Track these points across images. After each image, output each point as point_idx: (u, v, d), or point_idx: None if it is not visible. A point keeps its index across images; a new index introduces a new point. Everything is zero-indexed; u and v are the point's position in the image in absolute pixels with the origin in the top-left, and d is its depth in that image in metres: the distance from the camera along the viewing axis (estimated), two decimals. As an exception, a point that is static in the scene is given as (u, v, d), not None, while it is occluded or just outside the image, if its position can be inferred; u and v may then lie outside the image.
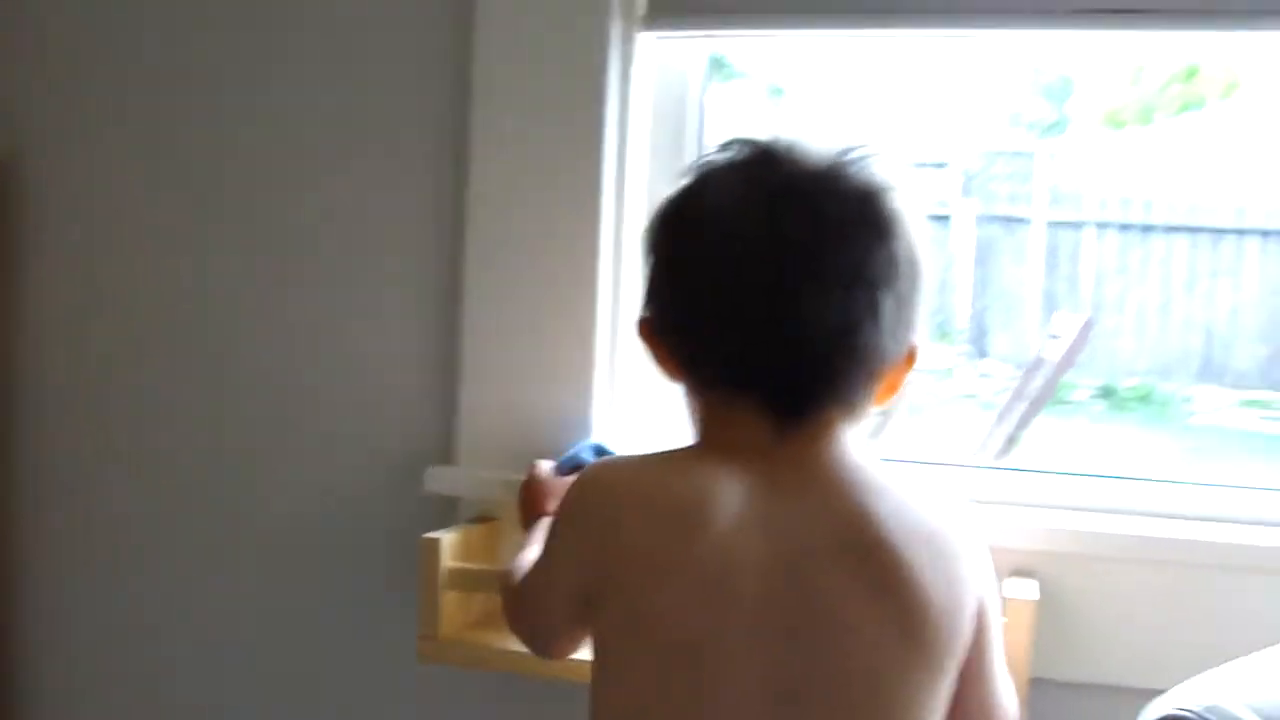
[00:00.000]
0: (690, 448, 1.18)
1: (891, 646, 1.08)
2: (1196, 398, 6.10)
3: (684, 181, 1.19)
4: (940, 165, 7.27)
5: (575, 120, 1.47)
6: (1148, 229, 6.66)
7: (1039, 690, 1.35)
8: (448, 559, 1.46)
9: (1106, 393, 5.26)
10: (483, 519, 1.55)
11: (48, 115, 1.75)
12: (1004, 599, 1.29)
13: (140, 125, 1.73)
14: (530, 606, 1.28)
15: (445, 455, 1.61)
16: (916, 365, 1.19)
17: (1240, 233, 6.48)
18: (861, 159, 1.16)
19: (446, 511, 1.58)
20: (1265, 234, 6.34)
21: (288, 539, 1.69)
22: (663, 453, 1.20)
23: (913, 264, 1.16)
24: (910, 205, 1.18)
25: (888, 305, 1.13)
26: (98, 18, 1.71)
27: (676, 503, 1.12)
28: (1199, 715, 1.01)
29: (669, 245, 1.15)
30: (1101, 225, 6.68)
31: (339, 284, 1.63)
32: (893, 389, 1.17)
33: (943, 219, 7.26)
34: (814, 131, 1.18)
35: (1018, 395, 3.88)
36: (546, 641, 1.29)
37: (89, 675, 1.81)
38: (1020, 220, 6.85)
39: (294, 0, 1.64)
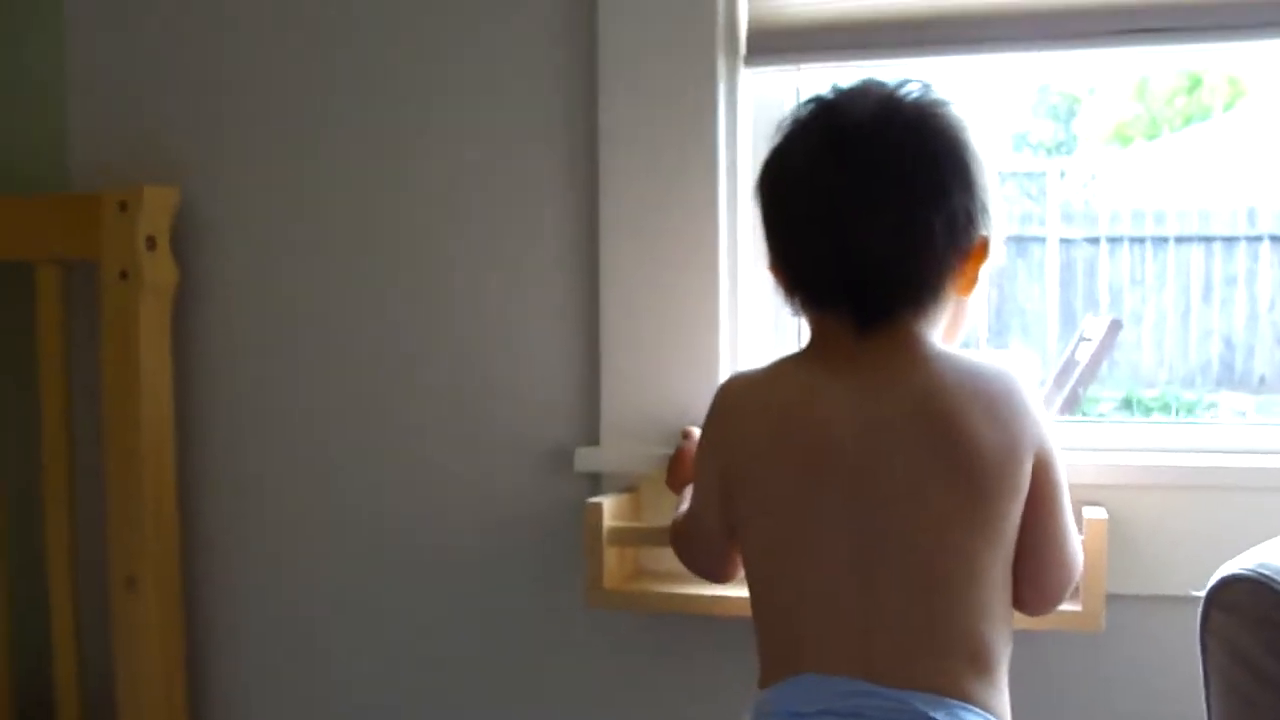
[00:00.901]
0: (798, 354, 1.41)
1: (954, 492, 1.29)
2: (1219, 403, 6.33)
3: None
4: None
5: (691, 147, 1.77)
6: (1161, 240, 6.93)
7: (1115, 604, 1.65)
8: (609, 519, 1.68)
9: (1128, 403, 5.43)
10: (627, 490, 1.86)
11: (214, 153, 2.01)
12: (1085, 519, 1.60)
13: (294, 151, 1.99)
14: (694, 530, 1.50)
15: (591, 438, 1.82)
16: (990, 254, 1.38)
17: (1253, 239, 6.74)
18: (906, 92, 1.37)
19: (593, 488, 1.78)
20: (1276, 238, 6.60)
21: (457, 525, 1.95)
22: (777, 361, 1.43)
23: (963, 173, 1.34)
24: (956, 121, 1.37)
25: (940, 217, 1.32)
26: (249, 56, 1.98)
27: (781, 400, 1.37)
28: (1253, 571, 1.31)
29: (761, 199, 1.40)
30: (1114, 240, 6.95)
31: (494, 301, 1.90)
32: (971, 280, 1.37)
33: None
34: (872, 75, 1.43)
35: (1049, 398, 4.16)
36: (712, 561, 1.51)
37: (265, 668, 2.04)
38: (1034, 239, 7.12)
39: (440, 59, 1.90)
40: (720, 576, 1.54)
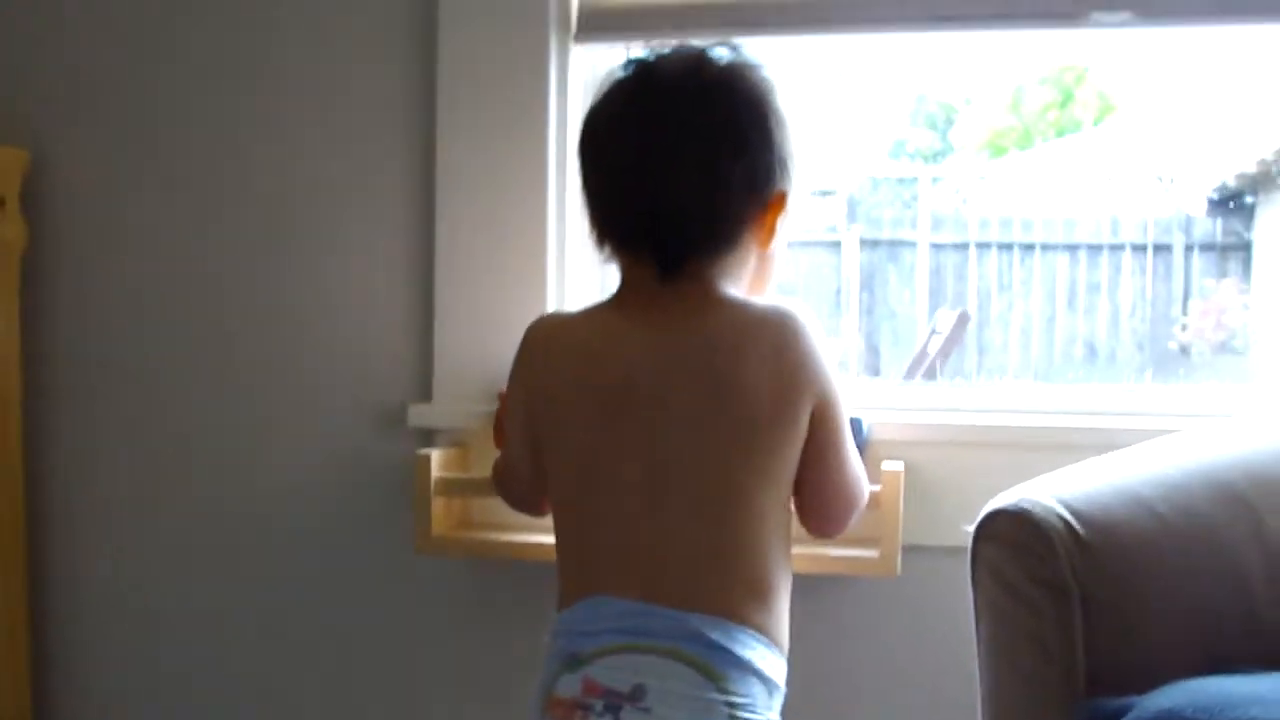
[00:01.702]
0: (605, 300, 1.51)
1: (728, 430, 1.40)
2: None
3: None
4: (827, 193, 7.73)
5: (523, 116, 1.87)
6: (1028, 247, 7.14)
7: (913, 554, 1.78)
8: (437, 470, 1.78)
9: (991, 404, 5.60)
10: (457, 445, 1.96)
11: (65, 118, 2.09)
12: (883, 471, 1.74)
13: (146, 120, 2.07)
14: (507, 466, 1.60)
15: (424, 395, 1.92)
16: (787, 208, 1.48)
17: (1116, 248, 6.96)
18: (716, 55, 1.47)
19: (425, 443, 1.87)
20: (1137, 248, 6.83)
21: (292, 477, 2.05)
22: (586, 307, 1.54)
23: (762, 129, 1.45)
24: (761, 81, 1.48)
25: (737, 170, 1.43)
26: (104, 27, 2.05)
27: (584, 340, 1.47)
28: (1015, 506, 1.43)
29: (580, 155, 1.50)
30: (983, 245, 7.15)
31: (328, 261, 2.01)
32: (769, 232, 1.47)
33: (831, 245, 7.71)
34: (691, 42, 1.51)
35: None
36: (525, 496, 1.61)
37: (107, 629, 2.12)
38: (906, 244, 7.29)
39: (280, 18, 2.00)
40: (536, 510, 1.65)
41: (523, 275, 1.91)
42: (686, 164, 1.43)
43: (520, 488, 1.61)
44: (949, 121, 9.05)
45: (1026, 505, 1.38)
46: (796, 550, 1.69)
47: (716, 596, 1.38)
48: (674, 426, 1.41)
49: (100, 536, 2.12)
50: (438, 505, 1.83)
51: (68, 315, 2.11)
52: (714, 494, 1.40)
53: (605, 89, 1.53)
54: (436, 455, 1.83)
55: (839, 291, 7.34)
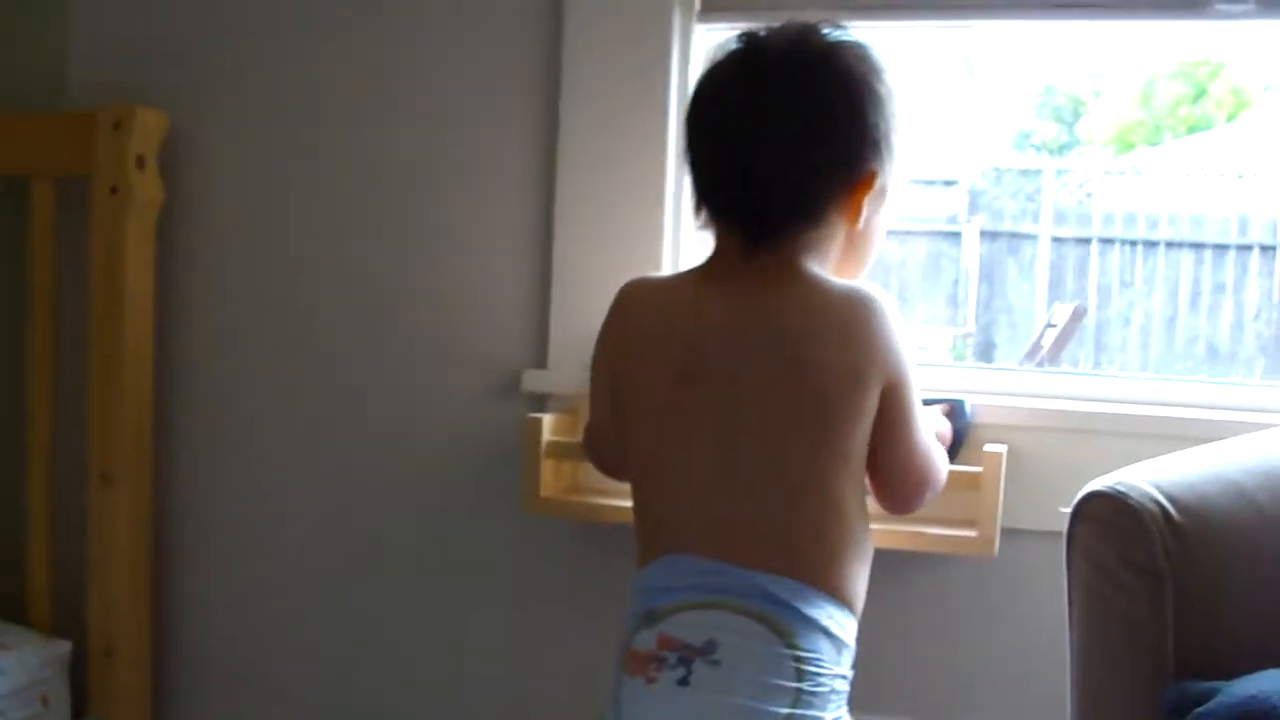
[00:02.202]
0: (697, 267, 1.54)
1: (796, 407, 1.42)
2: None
3: None
4: (949, 183, 7.70)
5: (645, 93, 1.92)
6: (1151, 245, 7.06)
7: (1013, 537, 1.82)
8: (547, 434, 1.83)
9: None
10: (569, 411, 1.99)
11: (205, 84, 2.14)
12: (984, 453, 1.77)
13: (282, 91, 2.12)
14: (593, 425, 1.63)
15: (540, 361, 1.98)
16: (878, 188, 1.50)
17: (1243, 248, 6.86)
18: (823, 31, 1.50)
19: (539, 408, 1.93)
20: (1265, 248, 6.72)
21: (414, 439, 2.07)
22: (678, 272, 1.59)
23: (857, 107, 1.47)
24: (864, 59, 1.50)
25: (827, 145, 1.46)
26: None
27: (668, 305, 1.51)
28: (1111, 488, 1.46)
29: (685, 122, 1.53)
30: (1106, 241, 7.08)
31: (452, 231, 2.07)
32: (857, 210, 1.48)
33: (951, 235, 7.68)
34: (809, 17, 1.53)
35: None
36: (610, 458, 1.64)
37: (228, 562, 2.19)
38: (1027, 236, 7.25)
39: (417, 13, 2.07)
40: (623, 473, 1.67)
41: (638, 247, 1.96)
42: (776, 136, 1.45)
43: (605, 449, 1.64)
44: (1076, 114, 8.97)
45: (1122, 488, 1.41)
46: (897, 527, 1.74)
47: (786, 559, 1.41)
48: (744, 395, 1.44)
49: (225, 489, 2.22)
50: (547, 468, 1.89)
51: (202, 275, 2.20)
52: (782, 465, 1.43)
53: (714, 60, 1.56)
54: (548, 419, 1.89)
55: (957, 282, 7.32)
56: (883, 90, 1.53)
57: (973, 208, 7.45)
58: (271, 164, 2.16)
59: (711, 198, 1.54)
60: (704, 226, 1.57)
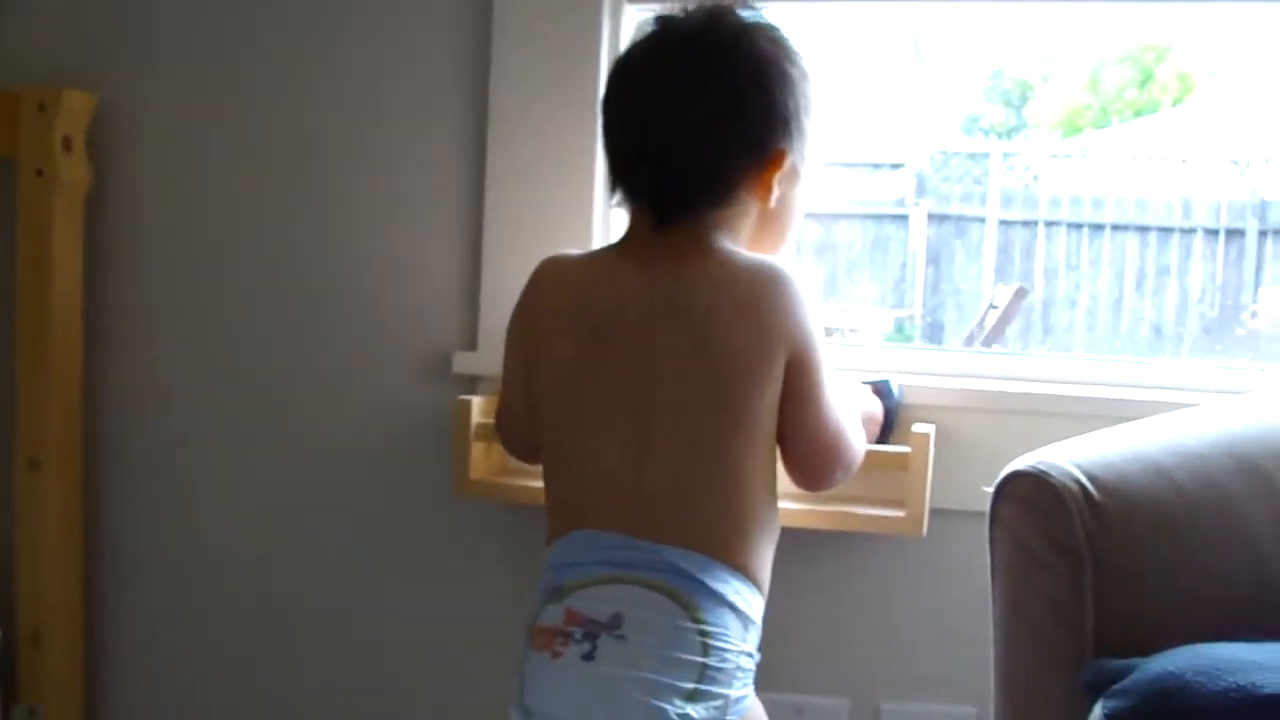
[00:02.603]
0: (611, 244, 1.58)
1: (701, 379, 1.43)
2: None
3: None
4: (896, 166, 7.71)
5: (575, 72, 1.90)
6: (1098, 228, 7.09)
7: (941, 517, 1.82)
8: (476, 416, 1.81)
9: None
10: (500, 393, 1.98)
11: (133, 64, 2.10)
12: (912, 433, 1.77)
13: (212, 70, 2.10)
14: (504, 410, 1.64)
15: (470, 343, 1.97)
16: (787, 168, 1.51)
17: (1187, 231, 6.90)
18: (737, 13, 1.52)
19: (471, 390, 1.91)
20: (1209, 231, 6.77)
21: (342, 422, 2.03)
22: (593, 250, 1.62)
23: (765, 86, 1.49)
24: (776, 40, 1.52)
25: (735, 124, 1.47)
26: None
27: (581, 281, 1.52)
28: (1033, 467, 1.45)
29: (601, 103, 1.56)
30: (1052, 224, 7.11)
31: (380, 212, 2.05)
32: (766, 188, 1.50)
33: (899, 218, 7.70)
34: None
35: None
36: (522, 440, 1.64)
37: (156, 548, 2.16)
38: (974, 219, 7.27)
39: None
40: (533, 455, 1.67)
41: (569, 227, 1.95)
42: (684, 115, 1.47)
43: (516, 431, 1.64)
44: (1024, 98, 9.01)
45: (1044, 467, 1.41)
46: (825, 507, 1.74)
47: (693, 534, 1.41)
48: (654, 370, 1.45)
49: (153, 476, 2.19)
50: (477, 450, 1.88)
51: (130, 257, 2.17)
52: (689, 440, 1.44)
53: (630, 42, 1.59)
54: (477, 401, 1.87)
55: (905, 265, 7.34)
56: (794, 71, 1.54)
57: (920, 191, 7.46)
58: (200, 145, 2.14)
59: (624, 177, 1.56)
60: (619, 204, 1.59)
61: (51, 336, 2.06)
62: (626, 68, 1.54)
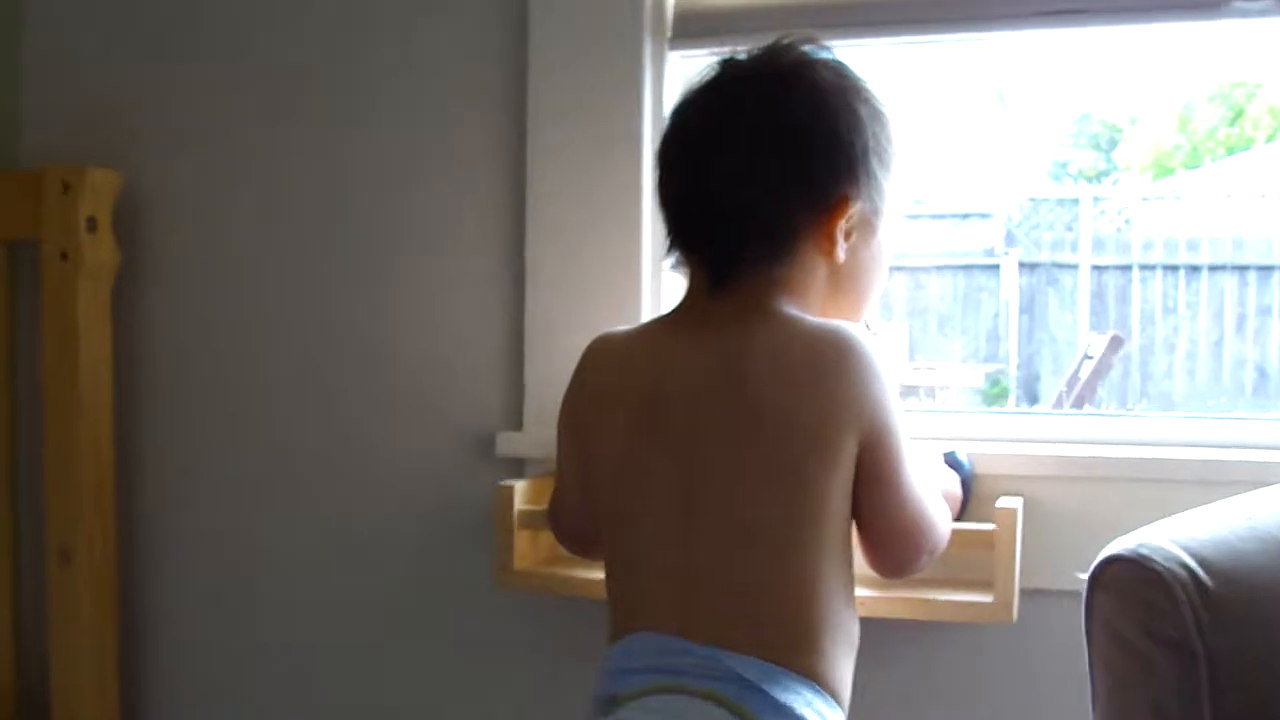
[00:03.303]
0: (665, 314, 1.41)
1: (757, 459, 1.26)
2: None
3: None
4: (985, 215, 7.50)
5: (617, 128, 1.75)
6: (1194, 269, 6.83)
7: (1033, 598, 1.60)
8: (520, 502, 1.71)
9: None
10: (548, 475, 1.82)
11: (159, 141, 2.02)
12: (997, 509, 1.55)
13: (241, 147, 2.00)
14: (557, 498, 1.49)
15: (514, 423, 1.81)
16: (857, 216, 1.34)
17: None
18: (798, 49, 1.36)
19: (516, 473, 1.79)
20: None
21: (382, 508, 1.94)
22: (646, 321, 1.47)
23: (827, 128, 1.32)
24: (840, 78, 1.36)
25: (789, 167, 1.31)
26: (201, 51, 1.99)
27: (629, 355, 1.37)
28: (1132, 551, 1.27)
29: (655, 153, 1.40)
30: (1147, 268, 6.86)
31: (419, 287, 1.90)
32: (830, 240, 1.32)
33: (989, 268, 7.48)
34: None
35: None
36: (577, 533, 1.49)
37: (194, 641, 2.04)
38: (1067, 266, 7.04)
39: (373, 48, 1.93)
40: (588, 546, 1.51)
41: (616, 298, 1.77)
42: (733, 154, 1.31)
43: (569, 520, 1.48)
44: (1113, 142, 8.76)
45: (1145, 551, 1.20)
46: (899, 594, 1.53)
47: (754, 635, 1.24)
48: (705, 449, 1.28)
49: (189, 565, 2.05)
50: (523, 539, 1.69)
51: (161, 339, 2.04)
52: (745, 525, 1.27)
53: (687, 87, 1.41)
54: (521, 486, 1.69)
55: (997, 316, 7.11)
56: (862, 109, 1.35)
57: (1010, 240, 7.26)
58: (230, 222, 2.00)
59: (676, 230, 1.37)
60: (676, 266, 1.40)
61: (80, 423, 1.92)
62: (678, 112, 1.38)
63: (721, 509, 1.27)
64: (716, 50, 1.74)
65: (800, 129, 1.32)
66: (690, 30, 1.78)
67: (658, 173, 1.40)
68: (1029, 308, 7.24)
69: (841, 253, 1.34)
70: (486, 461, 1.84)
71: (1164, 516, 1.28)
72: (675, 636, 1.24)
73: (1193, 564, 1.18)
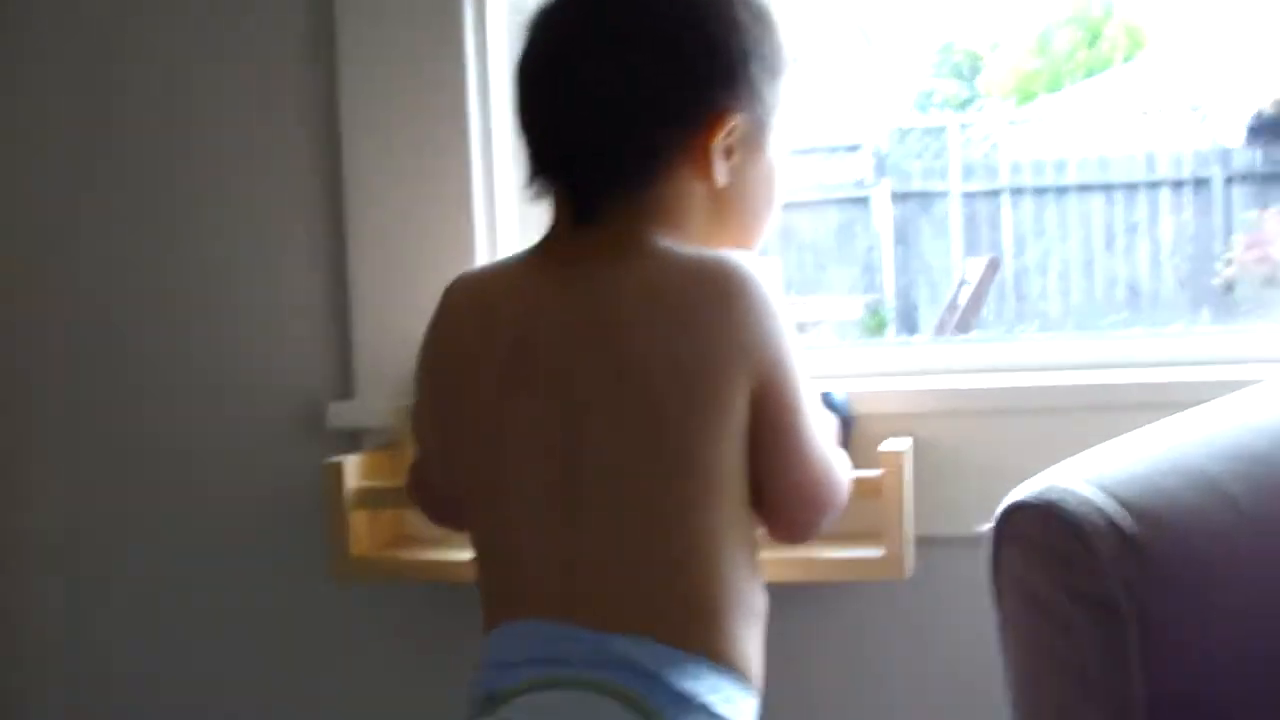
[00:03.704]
0: (533, 246, 1.24)
1: (633, 414, 1.12)
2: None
3: None
4: (853, 148, 7.41)
5: (438, 63, 1.55)
6: (1062, 190, 6.82)
7: (926, 547, 1.43)
8: (354, 480, 1.52)
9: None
10: (388, 448, 1.61)
11: None
12: (881, 452, 1.37)
13: (24, 93, 1.79)
14: (418, 465, 1.33)
15: (345, 391, 1.68)
16: (740, 133, 1.19)
17: (1152, 185, 6.65)
18: None
19: (352, 446, 1.63)
20: (1175, 184, 6.51)
21: (198, 492, 1.74)
22: (511, 257, 1.28)
23: (694, 28, 1.17)
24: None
25: (654, 76, 1.16)
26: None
27: (488, 300, 1.21)
28: (1040, 497, 1.09)
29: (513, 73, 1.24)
30: (1016, 191, 6.83)
31: (227, 242, 1.70)
32: (705, 159, 1.17)
33: (860, 200, 7.40)
34: None
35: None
36: (442, 502, 1.33)
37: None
38: (937, 194, 6.99)
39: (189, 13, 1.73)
40: (457, 519, 1.31)
41: (449, 243, 1.58)
42: (591, 72, 1.16)
43: (434, 491, 1.31)
44: (975, 69, 8.74)
45: (1054, 495, 1.04)
46: (781, 555, 1.35)
47: (649, 615, 1.10)
48: (580, 406, 1.13)
49: (27, 557, 1.85)
50: (359, 520, 1.49)
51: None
52: (630, 494, 1.12)
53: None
54: (353, 461, 1.49)
55: (871, 249, 7.03)
56: (743, 15, 1.18)
57: (880, 170, 7.21)
58: (35, 197, 1.81)
59: (534, 156, 1.21)
60: (538, 195, 1.23)
61: None
62: (533, 24, 1.22)
63: (602, 474, 1.12)
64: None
65: (667, 32, 1.16)
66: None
67: (515, 93, 1.23)
68: (903, 238, 7.18)
69: (721, 174, 1.17)
70: (318, 436, 1.64)
71: (1070, 452, 1.13)
72: (559, 622, 1.10)
73: (1112, 507, 1.01)
